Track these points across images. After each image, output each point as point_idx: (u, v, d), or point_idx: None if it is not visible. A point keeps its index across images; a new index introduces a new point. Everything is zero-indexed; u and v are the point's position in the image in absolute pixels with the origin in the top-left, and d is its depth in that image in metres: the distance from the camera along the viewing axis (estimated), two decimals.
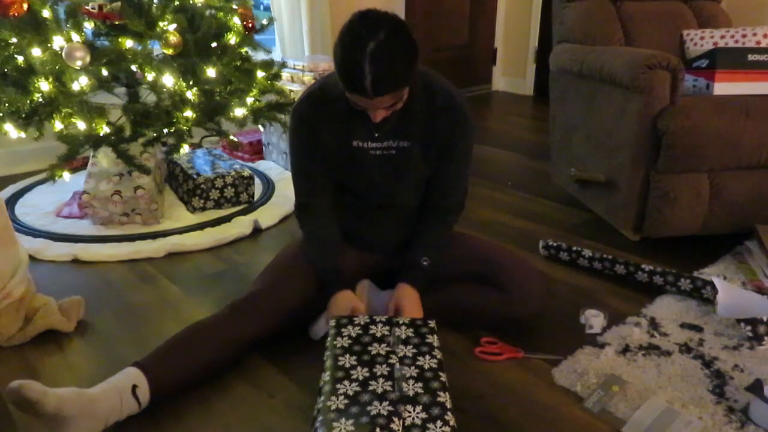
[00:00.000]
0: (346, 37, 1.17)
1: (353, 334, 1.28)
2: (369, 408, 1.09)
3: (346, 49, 1.16)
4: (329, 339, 1.28)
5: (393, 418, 1.07)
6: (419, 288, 1.46)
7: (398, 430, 1.05)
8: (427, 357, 1.23)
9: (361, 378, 1.16)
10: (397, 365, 1.20)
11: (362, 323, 1.32)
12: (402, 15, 4.15)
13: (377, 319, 1.33)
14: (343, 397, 1.11)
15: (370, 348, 1.25)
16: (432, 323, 1.35)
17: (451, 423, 1.07)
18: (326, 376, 1.17)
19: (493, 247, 1.58)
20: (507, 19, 4.75)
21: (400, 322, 1.34)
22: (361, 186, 1.47)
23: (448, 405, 1.12)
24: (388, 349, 1.25)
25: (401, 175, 1.44)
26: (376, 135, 1.38)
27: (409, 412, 1.09)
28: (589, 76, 2.16)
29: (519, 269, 1.49)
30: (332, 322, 1.33)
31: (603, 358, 1.45)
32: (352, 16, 1.19)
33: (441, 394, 1.14)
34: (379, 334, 1.29)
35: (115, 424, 1.19)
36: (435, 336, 1.30)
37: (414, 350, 1.25)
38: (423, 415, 1.08)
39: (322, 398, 1.12)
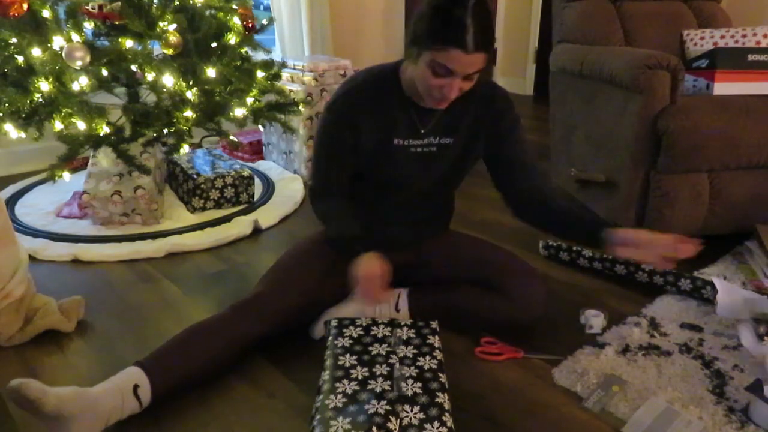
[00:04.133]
0: None
1: (354, 335, 1.29)
2: (367, 407, 1.09)
3: (445, 4, 1.17)
4: (330, 339, 1.28)
5: (390, 417, 1.07)
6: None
7: (395, 429, 1.05)
8: (428, 358, 1.23)
9: (360, 377, 1.16)
10: (397, 365, 1.20)
11: (364, 324, 1.32)
12: (402, 15, 4.15)
13: (379, 321, 1.33)
14: (341, 395, 1.11)
15: (370, 348, 1.25)
16: (434, 324, 1.35)
17: (449, 424, 1.07)
18: (326, 375, 1.18)
19: (497, 251, 1.57)
20: (507, 19, 4.75)
21: (402, 323, 1.34)
22: (393, 181, 1.46)
23: (447, 406, 1.11)
24: (388, 349, 1.25)
25: (434, 172, 1.45)
26: (422, 131, 1.39)
27: (407, 411, 1.09)
28: (589, 76, 2.16)
29: (522, 275, 1.49)
30: (333, 323, 1.33)
31: (603, 358, 1.45)
32: None
33: (440, 395, 1.14)
34: (380, 335, 1.29)
35: (116, 423, 1.19)
36: (436, 337, 1.30)
37: (415, 351, 1.25)
38: (421, 415, 1.08)
39: (321, 397, 1.12)
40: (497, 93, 1.42)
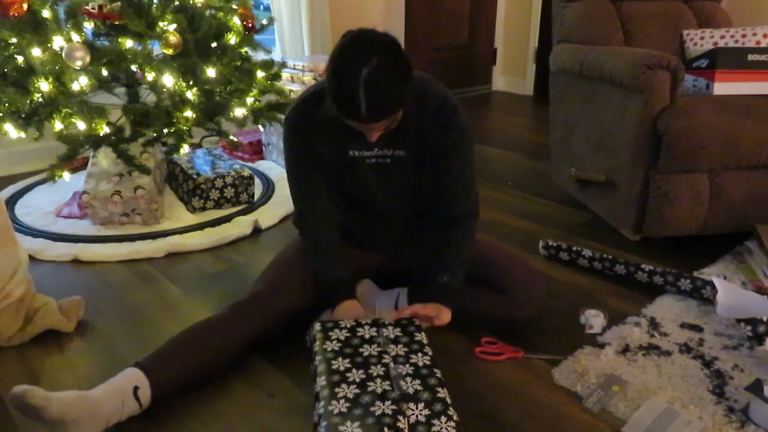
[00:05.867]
0: (338, 64, 1.15)
1: (341, 338, 1.28)
2: (372, 408, 1.08)
3: (339, 77, 1.14)
4: (317, 344, 1.27)
5: (398, 416, 1.07)
6: (451, 305, 1.40)
7: (405, 428, 1.05)
8: (420, 354, 1.24)
9: (358, 380, 1.16)
10: (392, 364, 1.20)
11: (348, 326, 1.32)
12: (402, 15, 4.15)
13: (363, 321, 1.33)
14: (343, 400, 1.11)
15: (361, 350, 1.24)
16: (417, 321, 1.35)
17: (455, 418, 1.08)
18: (322, 381, 1.17)
19: (495, 249, 1.58)
20: (507, 19, 4.75)
21: (386, 322, 1.34)
22: (357, 193, 1.47)
23: (449, 400, 1.12)
24: (379, 349, 1.25)
25: (395, 184, 1.44)
26: (375, 148, 1.38)
27: (412, 409, 1.09)
28: (589, 76, 2.16)
29: (520, 272, 1.49)
30: (317, 327, 1.32)
31: (603, 358, 1.45)
32: (342, 38, 1.16)
33: (440, 390, 1.14)
34: (367, 336, 1.28)
35: (115, 424, 1.19)
36: (423, 333, 1.31)
37: (405, 349, 1.25)
38: (426, 411, 1.09)
39: (322, 403, 1.11)
40: (446, 108, 1.36)
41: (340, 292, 1.45)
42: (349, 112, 1.16)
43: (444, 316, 1.37)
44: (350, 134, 1.32)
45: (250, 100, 2.32)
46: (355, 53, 1.13)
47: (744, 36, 2.30)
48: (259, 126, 2.58)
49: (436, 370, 1.19)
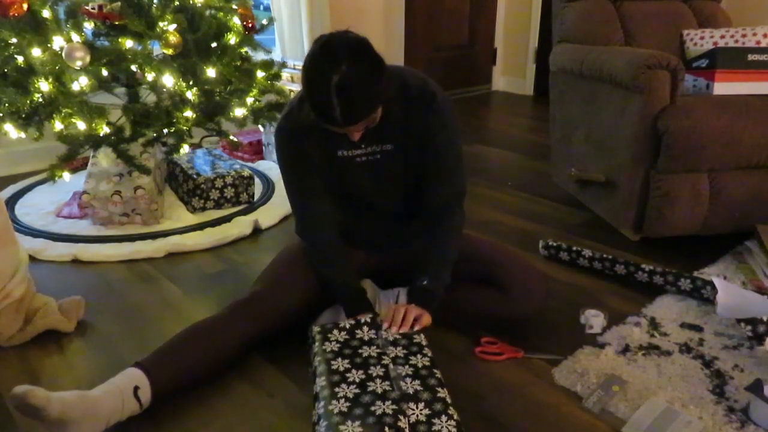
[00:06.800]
0: (310, 73, 1.16)
1: (341, 339, 1.28)
2: (373, 408, 1.09)
3: (312, 86, 1.16)
4: (317, 345, 1.27)
5: (399, 416, 1.07)
6: (429, 309, 1.39)
7: (405, 428, 1.05)
8: (419, 356, 1.24)
9: (357, 380, 1.16)
10: (391, 365, 1.20)
11: (348, 327, 1.32)
12: (402, 15, 4.15)
13: (362, 321, 1.33)
14: (343, 400, 1.11)
15: (360, 351, 1.25)
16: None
17: (455, 417, 1.08)
18: (322, 381, 1.17)
19: (494, 246, 1.58)
20: (507, 19, 4.75)
21: (384, 325, 1.34)
22: (352, 193, 1.47)
23: (449, 400, 1.12)
24: (378, 351, 1.25)
25: (388, 180, 1.44)
26: (363, 146, 1.38)
27: (413, 409, 1.09)
28: (589, 76, 2.16)
29: (520, 269, 1.49)
30: (316, 329, 1.32)
31: (603, 358, 1.45)
32: (313, 46, 1.17)
33: (440, 390, 1.14)
34: (366, 338, 1.29)
35: (116, 423, 1.19)
36: (422, 335, 1.31)
37: (404, 351, 1.25)
38: (426, 411, 1.09)
39: (322, 403, 1.11)
40: (426, 95, 1.36)
41: (361, 305, 1.43)
42: (325, 118, 1.18)
43: (419, 316, 1.35)
44: (336, 135, 1.32)
45: (250, 100, 2.32)
46: (325, 61, 1.14)
47: (744, 36, 2.30)
48: (259, 126, 2.58)
49: (435, 371, 1.20)
